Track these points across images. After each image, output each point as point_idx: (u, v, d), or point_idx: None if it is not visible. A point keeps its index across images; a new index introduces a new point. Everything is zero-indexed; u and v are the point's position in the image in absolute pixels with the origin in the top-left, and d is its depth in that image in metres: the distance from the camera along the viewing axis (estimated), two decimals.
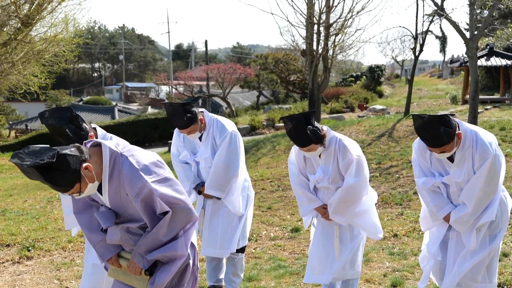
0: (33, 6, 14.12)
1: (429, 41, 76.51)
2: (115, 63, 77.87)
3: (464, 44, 12.04)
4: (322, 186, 4.03)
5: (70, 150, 2.52)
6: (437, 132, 3.29)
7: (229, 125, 4.47)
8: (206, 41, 36.52)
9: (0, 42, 14.20)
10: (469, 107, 12.20)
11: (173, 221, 2.74)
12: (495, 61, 22.16)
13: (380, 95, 32.81)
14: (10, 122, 36.88)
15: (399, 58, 24.63)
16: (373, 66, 36.37)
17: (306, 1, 15.41)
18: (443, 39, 53.10)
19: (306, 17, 15.56)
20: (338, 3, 15.64)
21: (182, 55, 76.66)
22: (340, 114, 22.67)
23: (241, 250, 4.66)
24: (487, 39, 23.01)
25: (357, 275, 4.14)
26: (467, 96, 20.00)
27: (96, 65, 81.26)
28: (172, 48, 73.60)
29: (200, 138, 4.48)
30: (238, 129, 5.09)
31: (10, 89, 18.47)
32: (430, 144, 3.39)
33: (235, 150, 4.42)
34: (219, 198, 4.47)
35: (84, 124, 3.52)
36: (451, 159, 3.52)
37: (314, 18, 15.54)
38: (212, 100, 35.25)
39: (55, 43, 15.89)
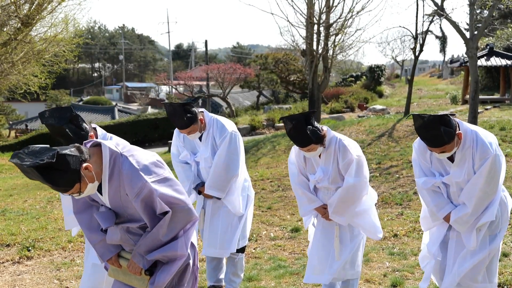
0: (33, 6, 14.12)
1: (429, 41, 76.56)
2: (115, 63, 77.87)
3: (464, 44, 12.04)
4: (322, 186, 4.03)
5: (70, 150, 2.52)
6: (438, 132, 3.29)
7: (229, 125, 4.47)
8: (206, 41, 36.54)
9: (0, 42, 14.20)
10: (469, 107, 12.20)
11: (173, 221, 2.74)
12: (495, 61, 22.17)
13: (380, 95, 32.81)
14: (10, 122, 36.89)
15: (399, 58, 24.65)
16: (373, 66, 36.38)
17: (306, 1, 15.41)
18: (443, 39, 53.11)
19: (306, 17, 15.56)
20: (338, 3, 15.66)
21: (182, 55, 76.67)
22: (340, 114, 22.67)
23: (241, 250, 4.66)
24: (487, 39, 23.02)
25: (357, 275, 4.14)
26: (467, 96, 20.00)
27: (96, 65, 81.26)
28: (172, 48, 73.69)
29: (200, 138, 4.48)
30: (238, 129, 5.09)
31: (10, 89, 18.48)
32: (430, 144, 3.39)
33: (235, 150, 4.42)
34: (219, 198, 4.47)
35: (84, 124, 3.52)
36: (451, 159, 3.52)
37: (314, 18, 15.54)
38: (212, 100, 35.25)
39: (55, 43, 15.89)
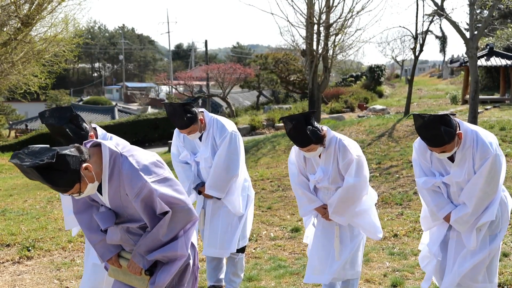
0: (33, 6, 14.12)
1: (429, 41, 76.62)
2: (115, 63, 77.88)
3: (464, 44, 12.04)
4: (322, 186, 4.02)
5: (70, 150, 2.51)
6: (438, 131, 3.29)
7: (229, 125, 4.47)
8: (206, 41, 36.54)
9: (0, 42, 14.20)
10: (469, 107, 12.20)
11: (173, 221, 2.74)
12: (495, 61, 22.17)
13: (380, 95, 32.81)
14: (10, 122, 36.89)
15: (399, 58, 24.64)
16: (373, 66, 36.37)
17: (306, 1, 15.41)
18: (443, 39, 53.11)
19: (306, 17, 15.56)
20: (338, 3, 15.66)
21: (182, 55, 76.67)
22: (340, 114, 22.67)
23: (241, 250, 4.66)
24: (487, 39, 23.02)
25: (357, 275, 4.14)
26: (467, 96, 20.00)
27: (96, 65, 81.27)
28: (172, 48, 73.71)
29: (200, 138, 4.48)
30: (238, 129, 5.09)
31: (10, 89, 18.48)
32: (431, 144, 3.39)
33: (235, 150, 4.41)
34: (219, 198, 4.47)
35: (84, 124, 3.52)
36: (451, 159, 3.52)
37: (314, 18, 15.54)
38: (212, 100, 35.25)
39: (55, 43, 15.89)
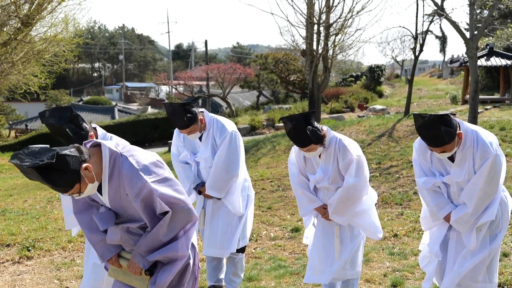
0: (33, 6, 14.12)
1: (429, 41, 76.63)
2: (115, 63, 77.88)
3: (464, 44, 12.04)
4: (322, 186, 4.02)
5: (70, 150, 2.51)
6: (438, 131, 3.29)
7: (229, 125, 4.47)
8: (206, 41, 36.54)
9: (0, 42, 14.20)
10: (469, 107, 12.20)
11: (173, 221, 2.74)
12: (495, 61, 22.17)
13: (380, 95, 32.81)
14: (10, 122, 36.89)
15: (399, 58, 24.62)
16: (373, 66, 36.37)
17: (306, 1, 15.42)
18: (443, 39, 53.12)
19: (306, 17, 15.56)
20: (338, 3, 15.66)
21: (182, 55, 76.68)
22: (340, 114, 22.67)
23: (241, 250, 4.66)
24: (487, 39, 23.02)
25: (357, 275, 4.14)
26: (467, 96, 20.00)
27: (96, 65, 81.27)
28: (172, 48, 73.71)
29: (200, 138, 4.48)
30: (238, 129, 5.09)
31: (10, 89, 18.48)
32: (431, 144, 3.39)
33: (235, 150, 4.41)
34: (219, 198, 4.47)
35: (84, 124, 3.52)
36: (451, 159, 3.52)
37: (314, 18, 15.54)
38: (212, 100, 35.25)
39: (55, 43, 15.89)
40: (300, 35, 17.00)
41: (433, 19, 16.70)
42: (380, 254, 5.62)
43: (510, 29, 19.16)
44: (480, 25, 13.24)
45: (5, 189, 11.63)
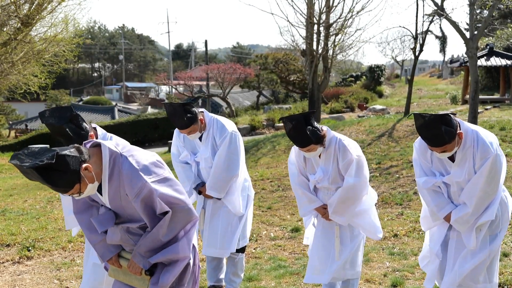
0: (33, 6, 14.12)
1: (429, 41, 76.65)
2: (115, 63, 77.88)
3: (464, 44, 12.04)
4: (322, 186, 4.02)
5: (70, 150, 2.51)
6: (438, 131, 3.29)
7: (229, 125, 4.47)
8: (206, 41, 36.54)
9: (0, 42, 14.20)
10: (469, 107, 12.20)
11: (173, 221, 2.74)
12: (495, 61, 22.17)
13: (380, 95, 32.81)
14: (10, 122, 36.90)
15: (399, 58, 24.61)
16: (373, 66, 36.37)
17: (306, 1, 15.41)
18: (443, 39, 53.12)
19: (306, 17, 15.56)
20: (338, 3, 15.66)
21: (182, 55, 76.68)
22: (340, 114, 22.68)
23: (241, 250, 4.65)
24: (487, 39, 23.02)
25: (357, 275, 4.13)
26: (467, 96, 20.00)
27: (96, 65, 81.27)
28: (172, 48, 73.73)
29: (200, 138, 4.48)
30: (238, 129, 5.09)
31: (10, 89, 18.49)
32: (431, 144, 3.39)
33: (235, 150, 4.41)
34: (219, 198, 4.47)
35: (84, 124, 3.51)
36: (452, 158, 3.52)
37: (314, 18, 15.54)
38: (212, 100, 35.24)
39: (55, 43, 15.89)
40: (300, 35, 17.03)
41: (433, 19, 16.70)
42: (380, 254, 5.62)
43: (510, 29, 19.15)
44: (480, 25, 13.24)
45: (5, 189, 11.63)
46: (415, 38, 15.91)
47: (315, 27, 15.72)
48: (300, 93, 33.29)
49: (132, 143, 2.91)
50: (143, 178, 2.64)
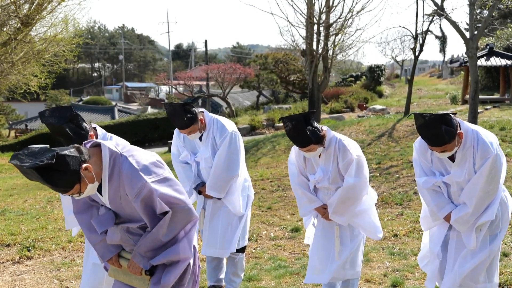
0: (33, 6, 14.13)
1: (429, 41, 76.68)
2: (115, 63, 77.88)
3: (464, 44, 12.04)
4: (322, 186, 4.02)
5: (70, 151, 2.51)
6: (439, 131, 3.29)
7: (229, 125, 4.47)
8: (206, 41, 36.56)
9: (0, 42, 14.20)
10: (469, 107, 12.20)
11: (173, 221, 2.74)
12: (495, 61, 22.17)
13: (380, 95, 32.82)
14: (10, 122, 36.89)
15: (399, 58, 24.62)
16: (373, 66, 36.38)
17: (306, 1, 15.42)
18: (443, 39, 53.11)
19: (306, 17, 15.57)
20: (338, 3, 15.68)
21: (182, 55, 76.69)
22: (340, 114, 22.68)
23: (241, 250, 4.66)
24: (487, 39, 23.01)
25: (357, 275, 4.13)
26: (467, 96, 20.01)
27: (96, 65, 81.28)
28: (172, 48, 73.73)
29: (200, 138, 4.48)
30: (238, 129, 5.09)
31: (10, 89, 18.49)
32: (431, 143, 3.39)
33: (235, 150, 4.41)
34: (219, 198, 4.47)
35: (84, 124, 3.51)
36: (452, 158, 3.52)
37: (314, 18, 15.54)
38: (212, 100, 35.25)
39: (55, 43, 15.90)
40: (300, 35, 17.04)
41: (433, 19, 16.70)
42: (380, 254, 5.62)
43: (510, 29, 19.14)
44: (480, 25, 13.24)
45: (5, 189, 11.63)
46: (415, 38, 15.91)
47: (315, 27, 15.72)
48: (300, 93, 33.29)
49: (132, 143, 2.91)
50: (143, 178, 2.64)
